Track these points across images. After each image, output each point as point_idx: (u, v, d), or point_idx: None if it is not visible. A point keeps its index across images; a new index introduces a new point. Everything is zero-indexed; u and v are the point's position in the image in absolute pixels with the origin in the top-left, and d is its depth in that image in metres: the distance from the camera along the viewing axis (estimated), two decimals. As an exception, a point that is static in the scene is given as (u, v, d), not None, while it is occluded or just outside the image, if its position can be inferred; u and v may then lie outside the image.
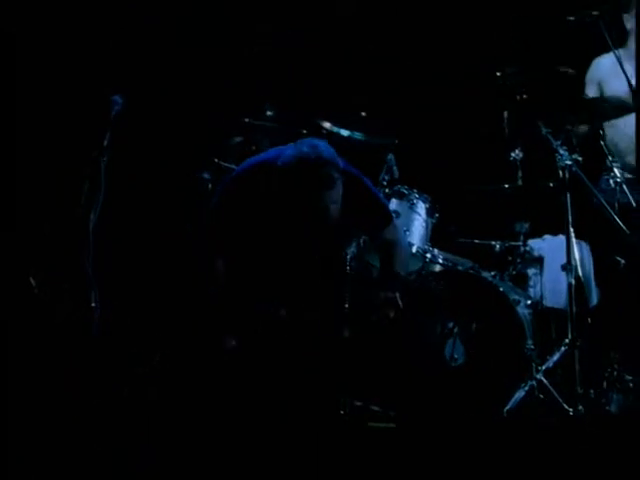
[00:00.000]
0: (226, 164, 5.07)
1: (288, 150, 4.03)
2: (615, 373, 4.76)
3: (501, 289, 4.96)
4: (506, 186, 5.33)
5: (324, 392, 4.15)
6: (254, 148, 5.05)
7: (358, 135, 5.04)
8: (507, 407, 4.51)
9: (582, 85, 5.51)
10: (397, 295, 4.23)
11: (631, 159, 5.23)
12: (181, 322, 4.83)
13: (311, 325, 4.20)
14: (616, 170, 4.99)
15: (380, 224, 4.42)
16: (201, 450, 3.53)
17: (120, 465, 3.37)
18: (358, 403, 4.30)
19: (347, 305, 4.29)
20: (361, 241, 4.76)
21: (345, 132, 4.97)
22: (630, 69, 4.99)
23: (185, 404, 4.11)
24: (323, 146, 4.01)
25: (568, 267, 4.71)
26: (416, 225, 5.11)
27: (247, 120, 5.24)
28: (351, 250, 4.61)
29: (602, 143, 5.14)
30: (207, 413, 3.95)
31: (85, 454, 3.44)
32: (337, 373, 4.20)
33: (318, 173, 3.90)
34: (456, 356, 4.80)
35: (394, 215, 4.72)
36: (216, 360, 4.17)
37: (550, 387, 4.57)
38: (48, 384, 4.01)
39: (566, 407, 4.45)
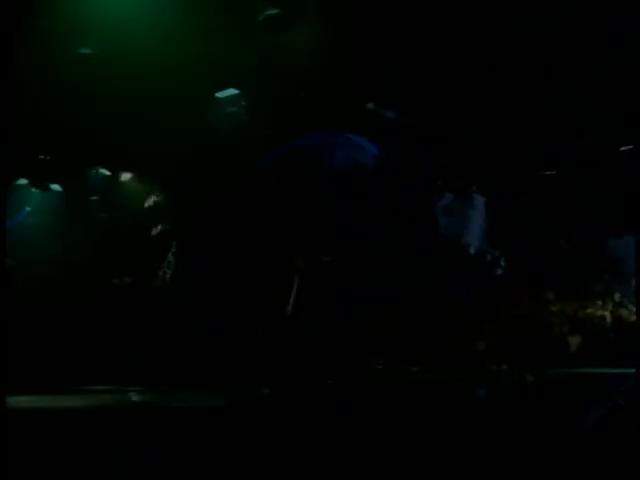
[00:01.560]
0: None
1: (340, 149, 4.00)
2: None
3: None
4: (580, 177, 4.98)
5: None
6: None
7: (405, 118, 4.59)
8: (583, 427, 4.05)
9: None
10: None
11: None
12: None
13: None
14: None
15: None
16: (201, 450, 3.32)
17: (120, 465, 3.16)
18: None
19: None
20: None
21: (391, 114, 4.52)
22: None
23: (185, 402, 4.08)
24: (375, 157, 4.13)
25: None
26: (473, 223, 4.74)
27: None
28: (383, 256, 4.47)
29: None
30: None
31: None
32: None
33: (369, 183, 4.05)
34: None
35: (444, 211, 4.58)
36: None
37: (628, 407, 4.16)
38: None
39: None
